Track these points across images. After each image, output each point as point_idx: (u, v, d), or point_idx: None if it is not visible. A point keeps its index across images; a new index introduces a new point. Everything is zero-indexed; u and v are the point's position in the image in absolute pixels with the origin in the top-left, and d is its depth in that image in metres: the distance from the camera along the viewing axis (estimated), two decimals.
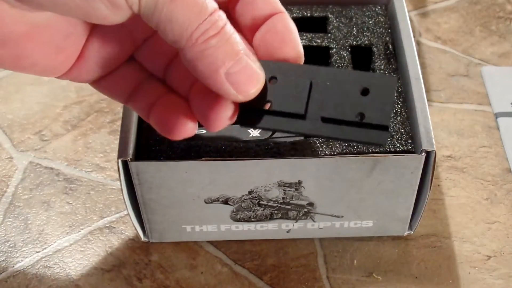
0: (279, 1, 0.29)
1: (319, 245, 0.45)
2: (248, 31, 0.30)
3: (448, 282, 0.43)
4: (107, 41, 0.29)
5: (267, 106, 0.28)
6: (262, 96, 0.27)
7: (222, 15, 0.25)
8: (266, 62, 0.28)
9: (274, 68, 0.28)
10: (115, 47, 0.30)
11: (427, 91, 0.54)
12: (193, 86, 0.29)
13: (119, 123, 0.52)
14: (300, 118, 0.27)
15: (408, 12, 0.47)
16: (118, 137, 0.39)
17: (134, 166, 0.38)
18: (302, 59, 0.29)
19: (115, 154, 0.49)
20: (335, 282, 0.43)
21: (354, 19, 0.46)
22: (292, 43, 0.29)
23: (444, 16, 0.61)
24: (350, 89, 0.27)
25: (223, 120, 0.28)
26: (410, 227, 0.44)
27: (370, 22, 0.46)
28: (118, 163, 0.38)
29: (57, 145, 0.51)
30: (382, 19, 0.46)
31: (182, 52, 0.26)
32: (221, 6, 0.28)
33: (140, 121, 0.41)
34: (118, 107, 0.53)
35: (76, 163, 0.50)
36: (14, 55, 0.27)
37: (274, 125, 0.28)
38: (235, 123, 0.28)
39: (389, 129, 0.27)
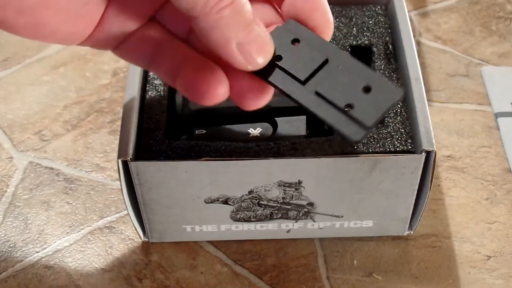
0: None
1: (319, 245, 0.45)
2: None
3: (448, 282, 0.43)
4: (127, 3, 0.29)
5: (278, 61, 0.28)
6: (280, 50, 0.28)
7: None
8: (297, 25, 0.29)
9: (302, 33, 0.29)
10: (135, 9, 0.29)
11: (427, 91, 0.54)
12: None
13: (119, 123, 0.52)
14: (299, 83, 0.28)
15: (408, 12, 0.47)
16: (118, 137, 0.39)
17: (134, 166, 0.38)
18: (331, 26, 0.29)
19: (115, 154, 0.49)
20: (335, 282, 0.43)
21: (354, 19, 0.46)
22: (322, 9, 0.29)
23: (444, 16, 0.61)
24: (355, 80, 0.27)
25: (258, 103, 0.29)
26: (410, 227, 0.44)
27: (370, 22, 0.46)
28: (118, 163, 0.38)
29: (57, 145, 0.51)
30: (382, 19, 0.46)
31: (195, 20, 0.25)
32: None
33: (140, 121, 0.41)
34: (118, 107, 0.53)
35: (76, 163, 0.50)
36: (33, 23, 0.26)
37: (272, 78, 0.28)
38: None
39: (369, 130, 0.27)
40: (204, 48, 0.29)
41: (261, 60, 0.27)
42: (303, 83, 0.28)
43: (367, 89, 0.27)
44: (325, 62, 0.28)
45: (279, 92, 0.28)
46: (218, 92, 0.28)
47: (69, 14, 0.27)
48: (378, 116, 0.27)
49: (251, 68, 0.27)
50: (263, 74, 0.28)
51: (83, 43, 0.29)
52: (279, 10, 0.30)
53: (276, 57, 0.29)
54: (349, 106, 0.27)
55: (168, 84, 0.30)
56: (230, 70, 0.28)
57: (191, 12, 0.25)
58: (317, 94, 0.27)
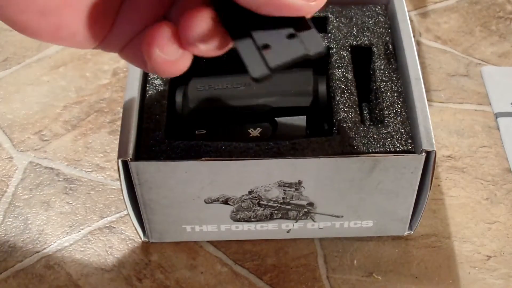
0: None
1: (319, 245, 0.45)
2: None
3: (448, 282, 0.43)
4: (139, 3, 0.29)
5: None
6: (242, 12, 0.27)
7: None
8: None
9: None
10: (147, 8, 0.29)
11: (427, 91, 0.54)
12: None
13: (119, 123, 0.52)
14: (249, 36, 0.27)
15: (408, 12, 0.47)
16: (118, 137, 0.39)
17: (134, 166, 0.38)
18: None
19: (115, 154, 0.49)
20: (335, 282, 0.43)
21: (354, 19, 0.46)
22: None
23: (444, 16, 0.61)
24: (287, 27, 0.26)
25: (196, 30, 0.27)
26: (410, 227, 0.44)
27: (370, 22, 0.46)
28: (118, 163, 0.38)
29: (57, 145, 0.51)
30: (382, 19, 0.46)
31: None
32: None
33: (140, 121, 0.41)
34: (118, 107, 0.53)
35: (76, 163, 0.50)
36: (54, 25, 0.27)
37: (232, 33, 0.27)
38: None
39: (270, 72, 0.26)
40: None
41: None
42: (251, 35, 0.26)
43: (291, 36, 0.26)
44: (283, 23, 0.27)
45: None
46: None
47: (89, 14, 0.27)
48: (283, 60, 0.26)
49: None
50: (220, 8, 0.27)
51: (95, 47, 0.30)
52: None
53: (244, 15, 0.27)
54: (266, 46, 0.26)
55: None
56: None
57: None
58: (249, 35, 0.26)
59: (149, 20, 0.29)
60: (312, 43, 0.26)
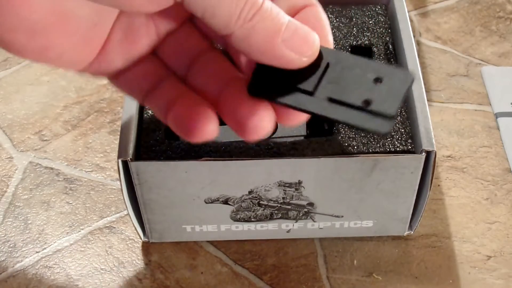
0: None
1: (319, 245, 0.45)
2: None
3: (448, 282, 0.43)
4: (131, 32, 0.29)
5: (279, 81, 0.28)
6: (276, 69, 0.27)
7: None
8: None
9: None
10: (138, 39, 0.29)
11: (427, 91, 0.54)
12: (224, 90, 0.28)
13: (119, 123, 0.52)
14: (308, 95, 0.27)
15: (408, 12, 0.47)
16: (118, 137, 0.39)
17: (134, 166, 0.38)
18: (330, 41, 0.29)
19: (115, 154, 0.49)
20: (335, 282, 0.43)
21: (354, 19, 0.46)
22: (322, 31, 0.28)
23: (444, 16, 0.61)
24: (365, 75, 0.27)
25: (263, 129, 0.27)
26: (410, 227, 0.44)
27: (370, 22, 0.46)
28: (118, 163, 0.38)
29: (57, 145, 0.51)
30: (382, 19, 0.46)
31: (232, 35, 0.25)
32: None
33: (140, 121, 0.41)
34: (118, 107, 0.53)
35: (76, 163, 0.50)
36: (42, 46, 0.26)
37: (282, 99, 0.27)
38: (249, 92, 0.28)
39: (394, 119, 0.26)
40: (199, 81, 0.29)
41: (312, 50, 0.26)
42: (312, 93, 0.27)
43: (378, 80, 0.27)
44: (327, 66, 0.27)
45: (291, 108, 0.28)
46: (207, 129, 0.27)
47: (78, 37, 0.27)
48: (398, 103, 0.26)
49: (306, 60, 0.26)
50: (268, 95, 0.27)
51: (84, 69, 0.29)
52: None
53: (275, 75, 0.28)
54: (367, 102, 0.26)
55: (160, 120, 0.30)
56: (227, 101, 0.28)
57: (227, 28, 0.25)
58: (331, 100, 0.27)
59: (140, 51, 0.30)
60: (399, 75, 0.27)
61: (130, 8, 0.25)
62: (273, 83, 0.27)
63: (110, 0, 0.25)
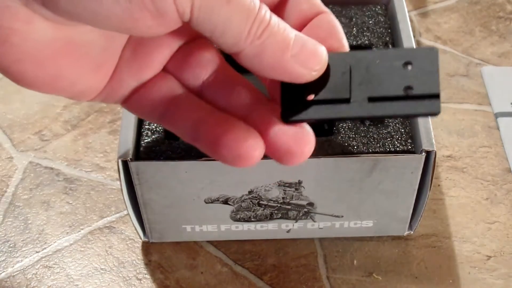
0: (321, 3, 0.29)
1: (319, 245, 0.45)
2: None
3: (448, 282, 0.43)
4: (142, 50, 0.28)
5: (311, 97, 0.27)
6: (303, 88, 0.27)
7: (266, 7, 0.25)
8: None
9: None
10: (149, 56, 0.28)
11: None
12: (253, 113, 0.27)
13: (119, 123, 0.52)
14: (345, 103, 0.26)
15: (408, 12, 0.47)
16: (118, 137, 0.39)
17: (134, 166, 0.38)
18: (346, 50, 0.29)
19: (115, 154, 0.49)
20: (335, 282, 0.43)
21: (354, 19, 0.46)
22: (337, 35, 0.28)
23: (444, 16, 0.61)
24: (392, 65, 0.26)
25: (306, 154, 0.26)
26: (410, 227, 0.44)
27: (370, 22, 0.46)
28: (118, 163, 0.38)
29: (57, 145, 0.51)
30: (382, 19, 0.46)
31: (242, 53, 0.25)
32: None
33: (140, 121, 0.41)
34: (118, 107, 0.53)
35: (76, 163, 0.50)
36: (52, 75, 0.26)
37: (321, 115, 0.27)
38: (283, 120, 0.27)
39: (439, 97, 0.26)
40: (223, 101, 0.28)
41: (320, 64, 0.26)
42: (349, 99, 0.26)
43: (407, 65, 0.26)
44: (350, 69, 0.27)
45: (332, 120, 0.27)
46: (256, 154, 0.26)
47: (89, 64, 0.27)
48: (437, 79, 0.26)
49: (315, 74, 0.26)
50: (305, 116, 0.27)
51: (95, 98, 0.29)
52: None
53: (304, 94, 0.27)
54: (408, 88, 0.26)
55: (186, 141, 0.28)
56: (262, 124, 0.27)
57: (236, 46, 0.25)
58: (371, 99, 0.26)
59: (151, 68, 0.28)
60: (424, 52, 0.26)
61: (139, 33, 0.24)
62: (304, 101, 0.27)
63: (118, 26, 0.24)
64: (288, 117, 0.27)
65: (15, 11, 0.23)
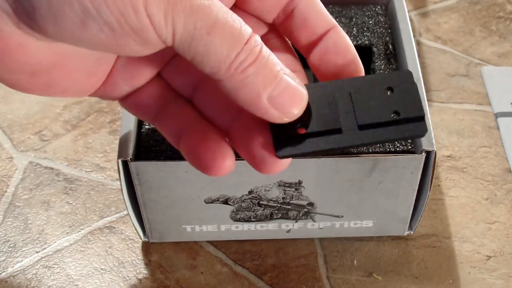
0: (329, 14, 0.29)
1: (319, 245, 0.45)
2: (302, 48, 0.29)
3: (448, 282, 0.43)
4: (134, 60, 0.28)
5: (302, 131, 0.27)
6: (293, 122, 0.27)
7: (257, 39, 0.25)
8: None
9: None
10: (143, 64, 0.29)
11: (427, 91, 0.54)
12: (236, 121, 0.28)
13: (119, 123, 0.52)
14: (336, 133, 0.27)
15: (408, 12, 0.47)
16: (118, 137, 0.39)
17: (134, 166, 0.38)
18: (362, 74, 0.29)
19: (115, 154, 0.49)
20: (335, 282, 0.43)
21: (354, 19, 0.46)
22: (355, 61, 0.29)
23: (444, 16, 0.61)
24: (374, 91, 0.27)
25: (282, 166, 0.27)
26: (410, 227, 0.44)
27: (370, 22, 0.46)
28: (118, 163, 0.38)
29: (57, 145, 0.51)
30: (382, 19, 0.46)
31: (220, 82, 0.25)
32: (268, 25, 0.28)
33: (140, 121, 0.41)
34: (118, 107, 0.53)
35: (76, 163, 0.50)
36: (45, 84, 0.26)
37: (315, 148, 0.27)
38: (278, 157, 0.27)
39: (425, 119, 0.27)
40: (209, 109, 0.29)
41: (296, 111, 0.26)
42: (340, 129, 0.27)
43: (389, 90, 0.27)
44: (336, 99, 0.27)
45: (323, 152, 0.28)
46: (224, 165, 0.27)
47: (82, 73, 0.27)
48: (420, 102, 0.27)
49: (287, 120, 0.26)
50: (298, 151, 0.27)
51: (91, 95, 0.29)
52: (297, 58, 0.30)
53: (294, 128, 0.27)
54: (396, 112, 0.27)
55: (172, 145, 0.30)
56: (240, 135, 0.28)
57: (215, 76, 0.25)
58: (361, 127, 0.27)
59: (146, 74, 0.29)
60: (400, 76, 0.27)
61: (126, 55, 0.25)
62: (296, 135, 0.27)
63: (104, 49, 0.24)
64: (282, 154, 0.27)
65: (9, 32, 0.23)
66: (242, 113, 0.28)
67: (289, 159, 0.27)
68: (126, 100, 0.30)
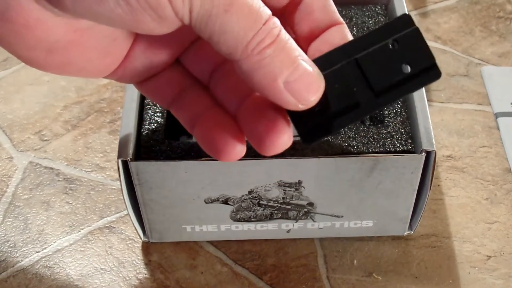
0: (337, 12, 0.29)
1: (319, 245, 0.45)
2: (303, 41, 0.29)
3: (448, 282, 0.43)
4: (154, 42, 0.28)
5: (321, 114, 0.27)
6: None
7: (276, 21, 0.24)
8: None
9: None
10: (162, 48, 0.29)
11: (427, 91, 0.54)
12: (242, 104, 0.28)
13: (119, 123, 0.52)
14: (356, 107, 0.26)
15: (408, 12, 0.47)
16: (118, 137, 0.39)
17: (134, 166, 0.38)
18: None
19: (115, 154, 0.49)
20: (335, 282, 0.43)
21: (354, 19, 0.46)
22: None
23: (444, 16, 0.61)
24: (380, 50, 0.26)
25: (280, 146, 0.27)
26: (410, 227, 0.44)
27: (370, 22, 0.46)
28: (118, 163, 0.38)
29: (57, 145, 0.51)
30: (382, 19, 0.46)
31: (237, 63, 0.24)
32: (277, 13, 0.27)
33: (140, 121, 0.41)
34: (118, 107, 0.53)
35: (76, 163, 0.50)
36: (62, 62, 0.27)
37: (339, 127, 0.27)
38: (304, 143, 0.27)
39: (436, 65, 0.26)
40: (220, 93, 0.29)
41: (313, 98, 0.25)
42: (358, 104, 0.26)
43: (394, 43, 0.26)
44: (346, 74, 0.27)
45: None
46: (235, 150, 0.27)
47: (98, 52, 0.27)
48: (428, 48, 0.26)
49: (302, 107, 0.25)
50: (322, 133, 0.27)
51: (107, 77, 0.29)
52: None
53: (314, 112, 0.26)
54: (407, 64, 0.26)
55: (186, 129, 0.29)
56: (245, 116, 0.27)
57: (232, 56, 0.24)
58: (377, 93, 0.26)
59: (164, 59, 0.29)
60: (399, 25, 0.26)
61: (143, 32, 0.24)
62: (317, 118, 0.26)
63: (121, 26, 0.24)
64: (309, 140, 0.27)
65: (27, 8, 0.24)
66: (249, 94, 0.28)
67: (291, 138, 0.27)
68: (143, 85, 0.30)
